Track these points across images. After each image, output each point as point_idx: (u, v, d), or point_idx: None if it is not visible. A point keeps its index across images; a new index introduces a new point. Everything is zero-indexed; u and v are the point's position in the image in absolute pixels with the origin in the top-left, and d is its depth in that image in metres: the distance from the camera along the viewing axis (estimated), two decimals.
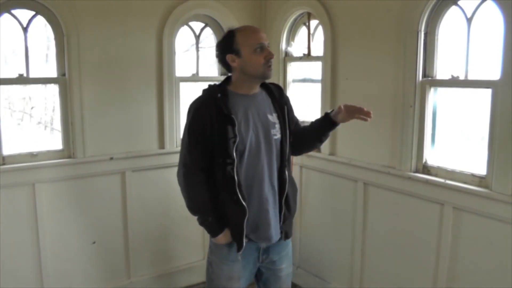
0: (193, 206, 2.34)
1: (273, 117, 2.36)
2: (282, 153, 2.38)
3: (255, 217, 2.30)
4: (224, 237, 2.31)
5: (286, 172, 2.39)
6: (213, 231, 2.32)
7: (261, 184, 2.31)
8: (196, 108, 2.29)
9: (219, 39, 2.40)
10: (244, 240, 2.28)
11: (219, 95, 2.25)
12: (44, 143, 3.37)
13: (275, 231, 2.36)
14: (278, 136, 2.36)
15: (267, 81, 2.39)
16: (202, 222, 2.33)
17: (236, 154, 2.21)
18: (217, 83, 2.37)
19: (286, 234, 2.43)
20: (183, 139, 2.34)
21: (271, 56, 2.25)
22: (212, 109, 2.23)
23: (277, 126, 2.36)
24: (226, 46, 2.28)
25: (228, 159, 2.21)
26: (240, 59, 2.25)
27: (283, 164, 2.39)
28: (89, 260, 3.52)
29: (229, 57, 2.27)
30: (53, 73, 3.30)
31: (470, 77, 2.68)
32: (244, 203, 2.24)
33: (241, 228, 2.26)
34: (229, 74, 2.38)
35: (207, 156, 2.27)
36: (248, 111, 2.29)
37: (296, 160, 3.74)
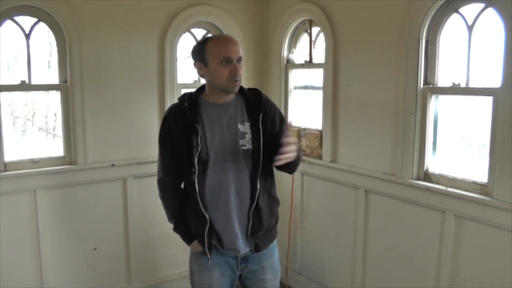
0: (166, 212, 2.42)
1: (244, 127, 2.28)
2: (254, 164, 2.29)
3: (221, 228, 2.28)
4: (195, 246, 2.35)
5: (258, 184, 2.29)
6: (185, 239, 2.39)
7: (227, 195, 2.27)
8: (165, 116, 2.33)
9: (194, 45, 2.38)
10: (207, 250, 2.29)
11: (186, 104, 2.25)
12: (45, 149, 3.37)
13: (243, 243, 2.32)
14: (248, 146, 2.27)
15: (246, 87, 2.38)
16: (174, 228, 2.42)
17: (198, 163, 2.20)
18: (193, 90, 2.36)
19: (256, 246, 2.35)
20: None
21: (235, 72, 2.18)
22: (179, 118, 2.24)
23: (248, 136, 2.28)
24: (196, 54, 2.26)
25: (192, 168, 2.22)
26: (206, 69, 2.22)
27: (256, 175, 2.29)
28: (90, 266, 3.52)
29: (197, 65, 2.26)
30: (55, 80, 3.32)
31: (471, 85, 2.68)
32: (205, 213, 2.24)
33: (202, 238, 2.28)
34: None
35: (176, 163, 2.30)
36: (215, 120, 2.26)
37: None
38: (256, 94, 2.36)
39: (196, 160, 2.20)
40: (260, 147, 2.28)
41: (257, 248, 2.35)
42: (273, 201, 2.43)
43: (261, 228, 2.34)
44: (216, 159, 2.25)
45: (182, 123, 2.23)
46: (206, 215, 2.25)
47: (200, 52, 2.23)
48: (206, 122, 2.25)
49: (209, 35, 3.89)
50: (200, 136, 2.20)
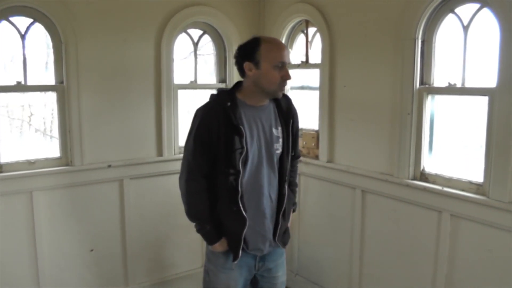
0: (192, 212, 2.33)
1: (277, 131, 2.34)
2: (281, 167, 2.37)
3: (250, 229, 2.29)
4: (220, 246, 2.31)
5: (286, 187, 2.39)
6: (210, 239, 2.33)
7: (260, 197, 2.30)
8: (204, 114, 2.26)
9: (243, 43, 2.33)
10: (240, 251, 2.28)
11: (228, 103, 2.22)
12: (42, 150, 3.36)
13: (268, 243, 2.38)
14: (280, 150, 2.34)
15: None
16: (199, 230, 2.33)
17: (241, 165, 2.20)
18: (226, 88, 2.35)
19: (283, 244, 2.48)
20: (187, 144, 2.31)
21: (288, 78, 2.23)
22: (220, 117, 2.20)
23: (281, 140, 2.34)
24: (248, 53, 2.23)
25: (231, 169, 2.20)
26: (257, 71, 2.21)
27: (283, 179, 2.37)
28: (87, 267, 3.51)
29: (246, 65, 2.22)
30: (52, 81, 3.31)
31: (467, 85, 2.69)
32: (245, 214, 2.24)
33: (239, 239, 2.26)
34: (241, 79, 2.34)
35: (210, 163, 2.26)
36: (253, 123, 2.27)
37: None
38: (287, 100, 2.44)
39: (240, 163, 2.19)
40: (289, 151, 2.37)
41: (283, 246, 2.47)
42: (291, 201, 2.53)
43: (287, 228, 2.46)
44: (252, 161, 2.26)
45: (224, 123, 2.19)
46: (246, 216, 2.25)
47: (252, 53, 2.21)
48: (246, 124, 2.24)
49: (206, 35, 3.90)
50: (244, 138, 2.20)
